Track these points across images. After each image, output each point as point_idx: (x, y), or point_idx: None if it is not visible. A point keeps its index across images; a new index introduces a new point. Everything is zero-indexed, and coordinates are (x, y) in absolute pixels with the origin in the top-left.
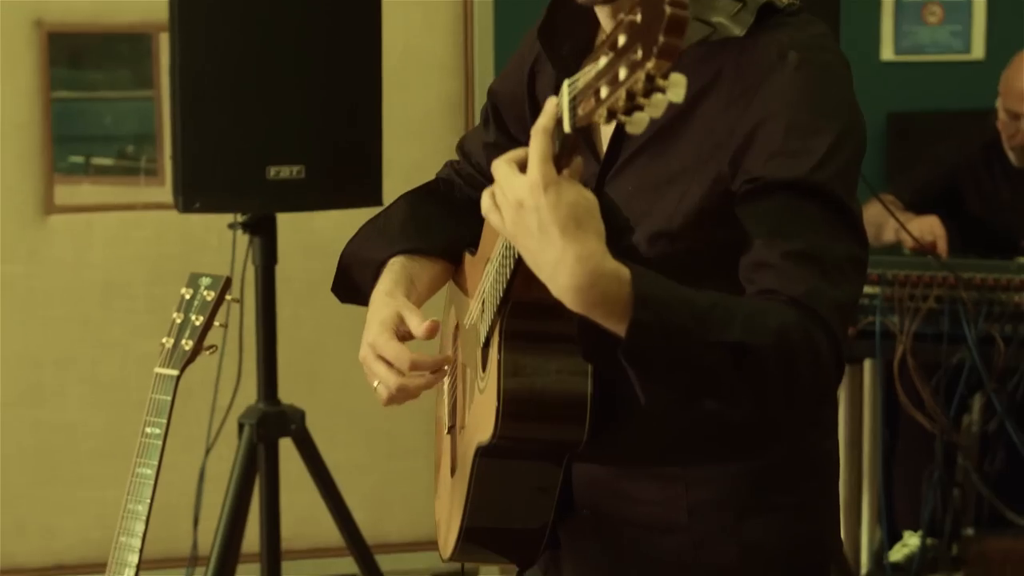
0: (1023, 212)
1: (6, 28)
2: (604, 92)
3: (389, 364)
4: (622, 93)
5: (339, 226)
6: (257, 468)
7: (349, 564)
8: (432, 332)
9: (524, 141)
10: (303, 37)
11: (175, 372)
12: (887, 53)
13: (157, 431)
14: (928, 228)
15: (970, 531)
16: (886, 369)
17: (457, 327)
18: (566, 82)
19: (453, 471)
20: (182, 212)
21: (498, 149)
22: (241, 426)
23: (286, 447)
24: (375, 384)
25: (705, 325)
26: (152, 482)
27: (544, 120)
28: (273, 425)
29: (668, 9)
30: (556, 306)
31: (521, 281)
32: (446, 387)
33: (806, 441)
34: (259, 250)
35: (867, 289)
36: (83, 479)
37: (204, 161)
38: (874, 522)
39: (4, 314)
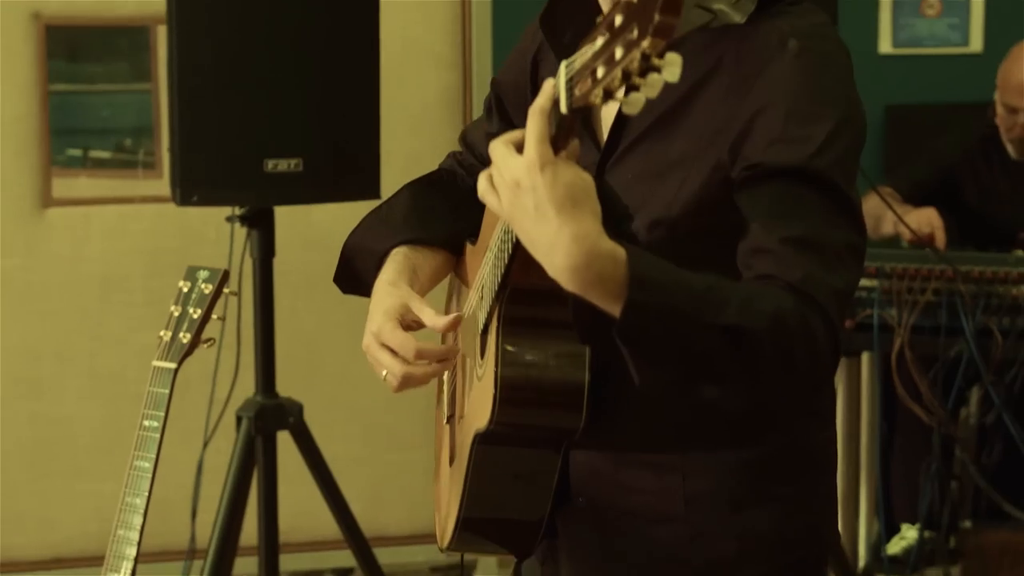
0: (1021, 203)
1: (4, 21)
2: (600, 72)
3: (393, 353)
4: (618, 73)
5: (337, 219)
6: (255, 461)
7: (347, 557)
8: (453, 326)
9: None
10: (301, 30)
11: (173, 365)
12: (885, 46)
13: (155, 424)
14: (926, 220)
15: (968, 524)
16: (884, 362)
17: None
18: (563, 63)
19: (452, 461)
20: (180, 205)
21: None
22: (239, 419)
23: (284, 440)
24: (383, 374)
25: (701, 307)
26: (150, 475)
27: (541, 101)
28: (271, 418)
29: None
30: (554, 293)
31: (519, 266)
32: (445, 377)
33: (804, 432)
34: (257, 243)
35: (865, 282)
36: (81, 472)
37: (202, 154)
38: (872, 515)
39: (2, 307)
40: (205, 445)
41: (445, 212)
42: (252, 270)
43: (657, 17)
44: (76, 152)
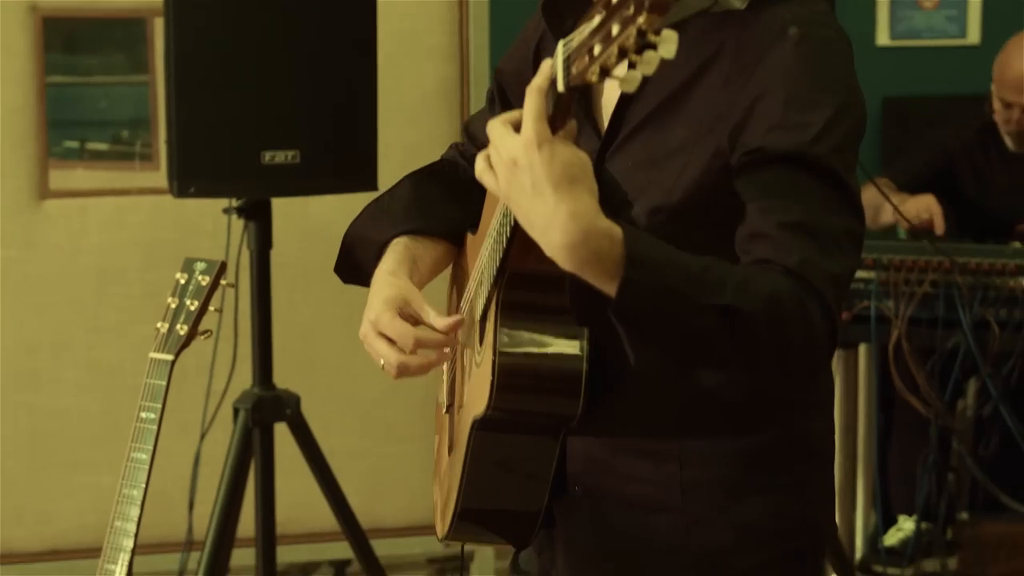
0: (1018, 195)
1: (1, 13)
2: (597, 49)
3: (391, 342)
4: (614, 49)
5: (334, 211)
6: (252, 453)
7: (344, 548)
8: (455, 328)
9: None
10: (298, 21)
11: (170, 357)
12: (883, 38)
13: (152, 416)
14: (924, 206)
15: (965, 515)
16: (881, 354)
17: (458, 308)
18: (561, 42)
19: (451, 450)
20: (177, 197)
21: None
22: (236, 411)
23: (281, 432)
24: (381, 362)
25: (697, 287)
26: (147, 467)
27: (539, 80)
28: (268, 410)
29: None
30: (552, 278)
31: (517, 249)
32: (445, 367)
33: (802, 422)
34: (254, 235)
35: (862, 274)
36: (78, 464)
37: (199, 146)
38: (869, 506)
39: None
40: (202, 437)
41: (446, 203)
42: (249, 262)
43: None
44: (73, 144)
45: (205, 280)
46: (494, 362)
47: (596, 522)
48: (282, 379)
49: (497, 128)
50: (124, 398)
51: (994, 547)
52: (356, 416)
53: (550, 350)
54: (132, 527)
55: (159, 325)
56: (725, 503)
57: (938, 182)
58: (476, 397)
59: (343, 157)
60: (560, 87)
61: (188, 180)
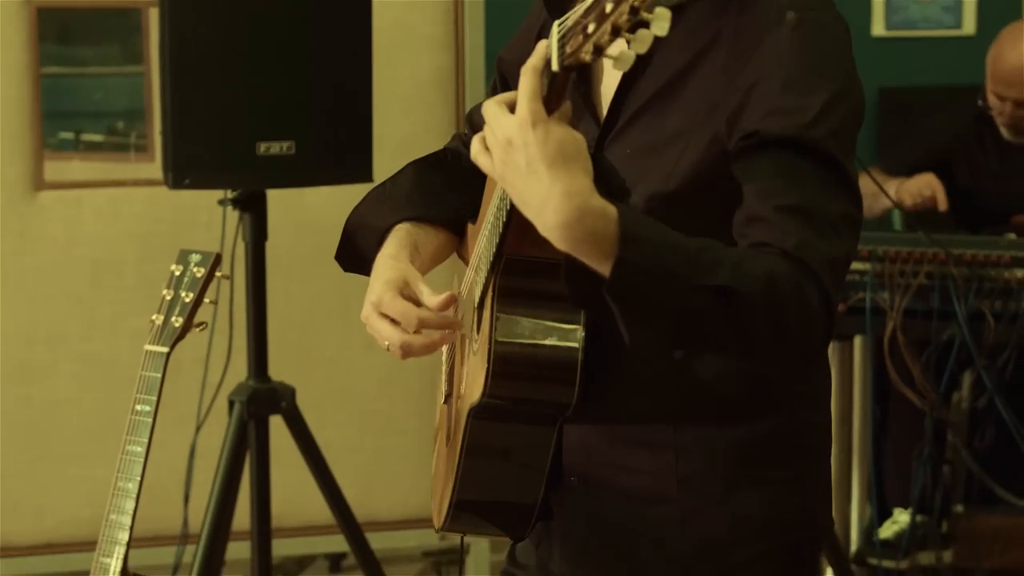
0: (1013, 184)
1: None
2: (591, 28)
3: (394, 323)
4: (608, 27)
5: (330, 202)
6: (247, 445)
7: (339, 541)
8: (447, 305)
9: None
10: (294, 12)
11: (165, 349)
12: (878, 28)
13: (147, 408)
14: (925, 183)
15: (960, 508)
16: (876, 345)
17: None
18: (556, 23)
19: (448, 440)
20: (172, 188)
21: None
22: (231, 403)
23: (276, 424)
24: (385, 344)
25: (692, 267)
26: (142, 460)
27: (533, 60)
28: (263, 402)
29: None
30: (548, 265)
31: (514, 234)
32: (444, 357)
33: (799, 415)
34: (249, 226)
35: (858, 265)
36: (73, 457)
37: (194, 137)
38: (864, 499)
39: None
40: (197, 429)
41: (449, 191)
42: (244, 254)
43: None
44: (68, 135)
45: (200, 272)
46: (490, 349)
47: (593, 513)
48: (277, 371)
49: (492, 109)
50: (119, 390)
51: (989, 539)
52: (351, 409)
53: (546, 337)
54: (127, 520)
55: (154, 317)
56: (721, 495)
57: (932, 171)
58: (472, 385)
59: (338, 148)
60: (555, 66)
61: (183, 171)
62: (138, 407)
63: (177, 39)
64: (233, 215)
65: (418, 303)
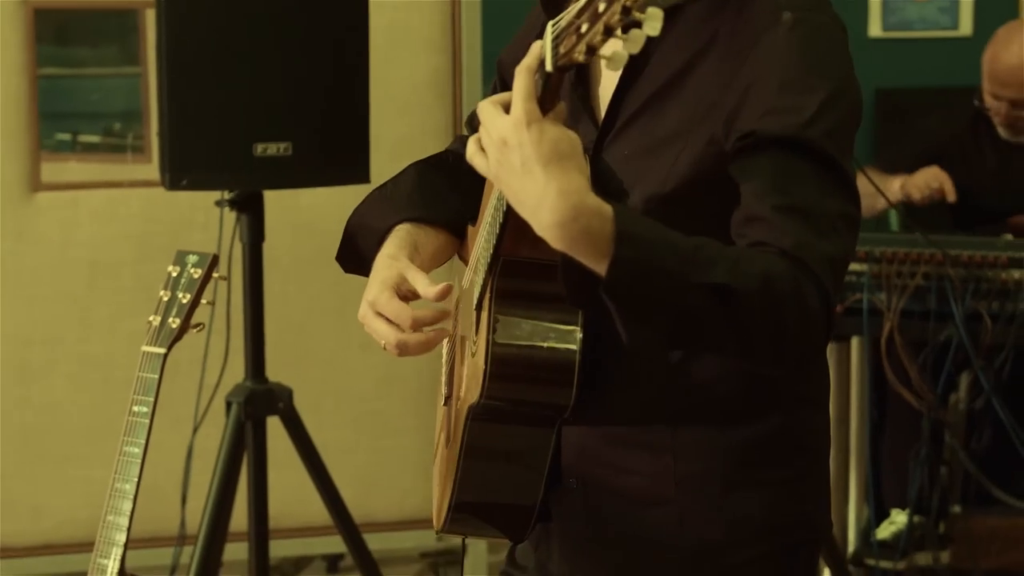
0: (1010, 183)
1: None
2: (584, 27)
3: (390, 321)
4: (600, 27)
5: (327, 203)
6: (245, 446)
7: (337, 543)
8: (444, 294)
9: None
10: (290, 13)
11: (162, 350)
12: (875, 29)
13: (144, 409)
14: (932, 176)
15: (957, 509)
16: (873, 346)
17: (458, 300)
18: (550, 23)
19: (448, 442)
20: (169, 189)
21: None
22: (229, 404)
23: (274, 425)
24: (382, 343)
25: (688, 265)
26: (139, 461)
27: (528, 60)
28: (261, 403)
29: None
30: (545, 266)
31: (511, 235)
32: (444, 358)
33: (797, 417)
34: (246, 227)
35: (855, 266)
36: (70, 458)
37: (191, 138)
38: (861, 499)
39: None
40: (195, 431)
41: (450, 193)
42: (241, 255)
43: None
44: (65, 136)
45: (197, 273)
46: (487, 350)
47: (591, 515)
48: (275, 372)
49: (487, 109)
50: (116, 391)
51: (986, 540)
52: (349, 410)
53: (544, 339)
54: (124, 521)
55: (151, 318)
56: (719, 497)
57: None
58: (471, 386)
59: (335, 149)
60: (548, 67)
61: (180, 172)
62: (135, 408)
63: (174, 40)
64: (230, 216)
65: (415, 299)
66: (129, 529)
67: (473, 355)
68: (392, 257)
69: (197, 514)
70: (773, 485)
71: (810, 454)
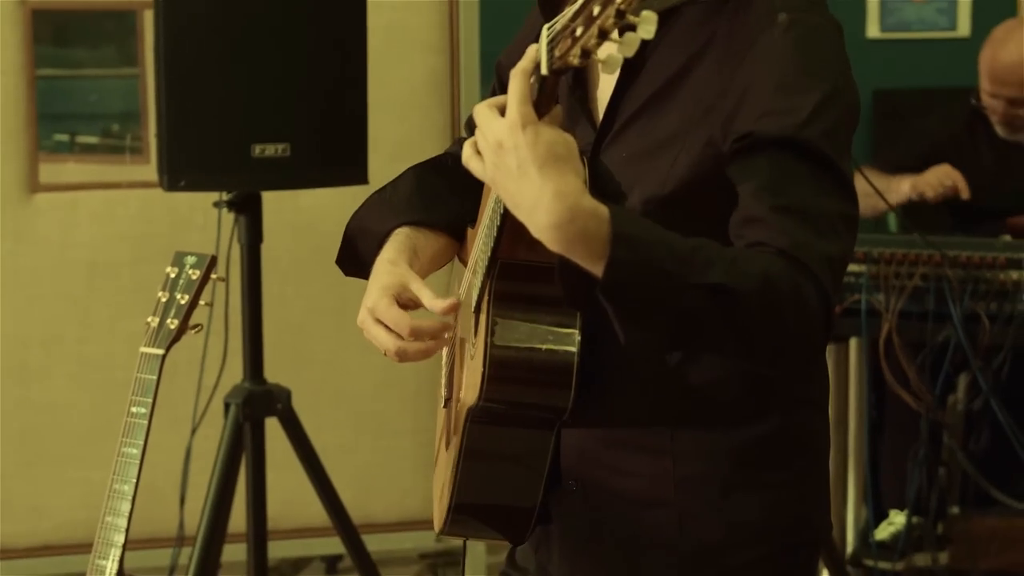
0: (1008, 182)
1: None
2: (579, 31)
3: (389, 328)
4: (595, 30)
5: (325, 205)
6: (243, 448)
7: (336, 544)
8: (451, 310)
9: None
10: (288, 14)
11: (160, 351)
12: (873, 30)
13: (143, 410)
14: (945, 174)
15: (956, 510)
16: (872, 347)
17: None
18: (545, 26)
19: (448, 444)
20: (167, 190)
21: None
22: (227, 405)
23: (272, 427)
24: (382, 349)
25: (686, 266)
26: (138, 462)
27: (524, 63)
28: (259, 404)
29: None
30: (543, 269)
31: (508, 237)
32: (444, 361)
33: (797, 418)
34: (244, 229)
35: (853, 267)
36: (69, 459)
37: (189, 139)
38: (860, 500)
39: None
40: (193, 432)
41: (449, 195)
42: (240, 256)
43: None
44: (63, 137)
45: (195, 274)
46: (485, 353)
47: (591, 517)
48: (273, 374)
49: (483, 112)
50: (114, 392)
51: (985, 541)
52: (347, 411)
53: (542, 341)
54: (123, 522)
55: (149, 319)
56: (718, 498)
57: (926, 170)
58: (470, 389)
59: (333, 150)
60: (544, 70)
61: (178, 173)
62: (134, 409)
63: (172, 41)
64: (228, 217)
65: (415, 306)
66: (127, 530)
67: (472, 357)
68: (392, 262)
69: (196, 515)
70: (773, 487)
71: (809, 455)
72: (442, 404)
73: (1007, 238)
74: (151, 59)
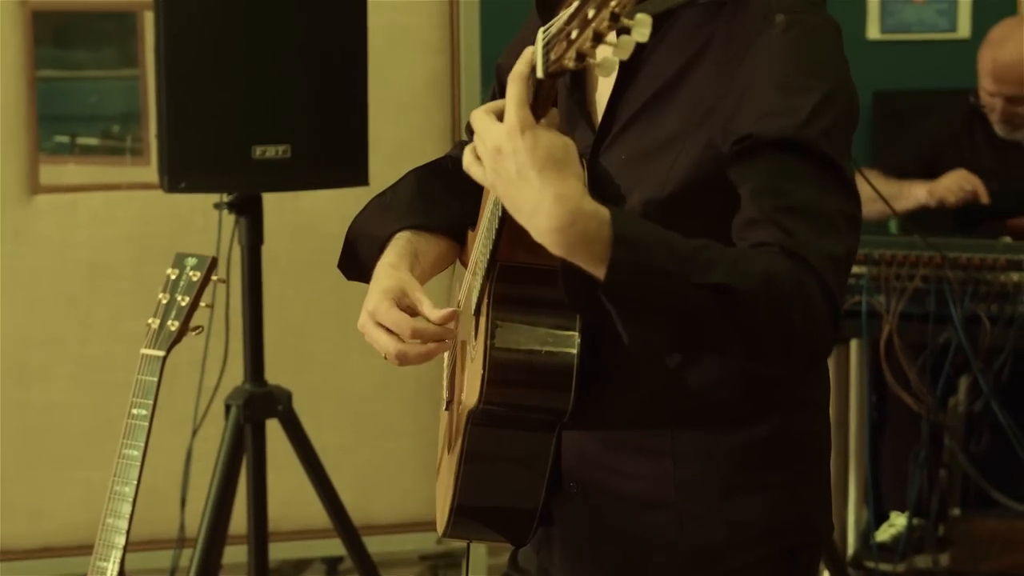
0: (1008, 181)
1: None
2: (574, 34)
3: (390, 332)
4: (589, 33)
5: (326, 206)
6: (244, 449)
7: (336, 545)
8: (448, 320)
9: None
10: (289, 15)
11: (161, 353)
12: (873, 32)
13: (143, 412)
14: (964, 179)
15: (956, 511)
16: (872, 349)
17: (458, 305)
18: (540, 29)
19: (450, 447)
20: (168, 192)
21: None
22: (228, 407)
23: (273, 428)
24: (382, 353)
25: (687, 266)
26: (139, 463)
27: (520, 67)
28: (260, 406)
29: None
30: (543, 271)
31: (507, 240)
32: (446, 363)
33: (797, 420)
34: (245, 230)
35: (854, 269)
36: (70, 461)
37: (189, 141)
38: (861, 502)
39: None
40: (194, 433)
41: (450, 199)
42: (240, 257)
43: None
44: (64, 139)
45: (196, 276)
46: (485, 355)
47: (592, 518)
48: (274, 375)
49: (481, 118)
50: (115, 394)
51: (986, 543)
52: (348, 412)
53: (542, 343)
54: (124, 524)
55: (150, 321)
56: (719, 500)
57: (926, 172)
58: (470, 391)
59: (334, 152)
60: (539, 73)
61: (179, 175)
62: (134, 411)
63: (172, 42)
64: (229, 219)
65: (414, 312)
66: (128, 532)
67: (472, 360)
68: (393, 266)
69: (196, 517)
70: (773, 488)
71: (810, 457)
72: (444, 407)
73: (1007, 240)
74: (151, 60)
